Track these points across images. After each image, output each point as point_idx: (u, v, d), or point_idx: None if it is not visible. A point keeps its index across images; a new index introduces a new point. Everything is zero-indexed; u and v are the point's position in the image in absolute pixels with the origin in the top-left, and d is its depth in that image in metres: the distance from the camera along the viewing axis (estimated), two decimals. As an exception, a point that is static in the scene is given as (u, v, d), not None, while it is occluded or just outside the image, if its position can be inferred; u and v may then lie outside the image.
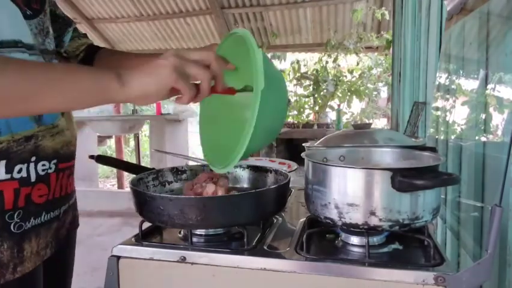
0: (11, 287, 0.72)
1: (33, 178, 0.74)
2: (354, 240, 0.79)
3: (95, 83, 0.63)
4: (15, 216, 0.72)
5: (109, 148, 7.37)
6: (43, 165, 0.76)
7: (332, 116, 5.24)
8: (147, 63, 0.66)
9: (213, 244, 0.82)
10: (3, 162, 0.70)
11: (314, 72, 5.45)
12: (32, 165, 0.74)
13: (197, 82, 0.69)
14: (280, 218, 0.97)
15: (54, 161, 0.79)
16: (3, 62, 0.59)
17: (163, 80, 0.64)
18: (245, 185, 1.02)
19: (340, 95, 5.29)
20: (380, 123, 5.88)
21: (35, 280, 0.78)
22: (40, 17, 0.82)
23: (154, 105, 5.39)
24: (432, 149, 0.93)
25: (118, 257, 0.78)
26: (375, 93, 5.54)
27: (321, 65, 5.45)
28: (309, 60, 6.01)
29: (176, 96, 0.70)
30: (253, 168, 1.02)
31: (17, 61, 0.63)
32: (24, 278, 0.74)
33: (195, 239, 0.81)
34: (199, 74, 0.67)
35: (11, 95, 0.57)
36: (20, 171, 0.72)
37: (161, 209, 0.75)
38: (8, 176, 0.71)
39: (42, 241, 0.77)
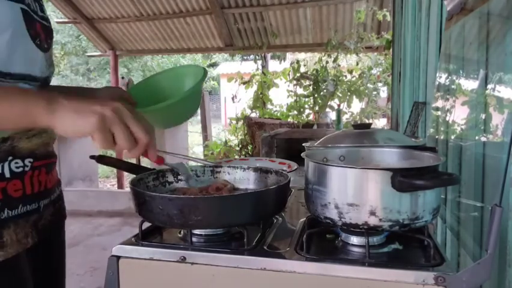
0: None
1: (7, 174, 0.81)
2: (354, 240, 0.79)
3: (27, 108, 0.67)
4: None
5: (109, 148, 7.35)
6: (16, 163, 0.83)
7: (332, 116, 5.24)
8: (87, 99, 0.69)
9: (213, 244, 0.82)
10: None
11: (314, 72, 5.45)
12: (6, 163, 0.81)
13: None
14: (280, 218, 0.97)
15: (30, 159, 0.86)
16: None
17: (85, 124, 0.67)
18: (246, 186, 1.02)
19: (340, 95, 5.30)
20: (380, 123, 5.88)
21: (19, 266, 0.84)
22: (51, 48, 0.91)
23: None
24: (432, 149, 0.94)
25: (118, 257, 0.78)
26: (374, 93, 5.54)
27: (321, 65, 5.45)
28: (309, 60, 6.01)
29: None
30: (254, 169, 1.02)
31: None
32: (8, 263, 0.80)
33: (194, 239, 0.81)
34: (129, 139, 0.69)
35: None
36: None
37: (160, 209, 0.76)
38: None
39: (21, 231, 0.84)
